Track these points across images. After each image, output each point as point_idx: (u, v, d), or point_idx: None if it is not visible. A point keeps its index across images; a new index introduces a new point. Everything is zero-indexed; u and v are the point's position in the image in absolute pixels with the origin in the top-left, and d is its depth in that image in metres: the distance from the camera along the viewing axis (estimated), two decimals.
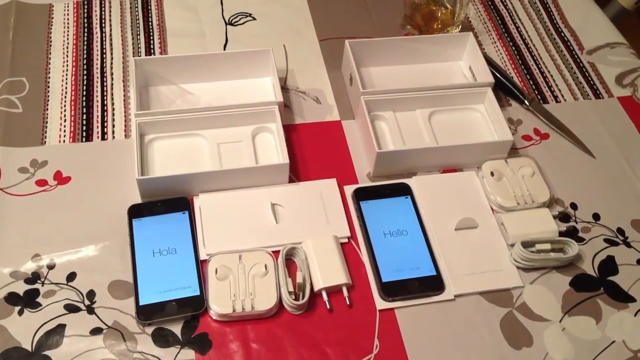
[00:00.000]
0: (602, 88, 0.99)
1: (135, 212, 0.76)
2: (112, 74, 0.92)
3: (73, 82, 0.90)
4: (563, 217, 0.83)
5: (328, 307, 0.73)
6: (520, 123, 0.93)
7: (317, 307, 0.73)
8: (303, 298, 0.71)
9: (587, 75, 1.01)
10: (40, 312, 0.69)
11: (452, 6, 0.98)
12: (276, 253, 0.75)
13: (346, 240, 0.78)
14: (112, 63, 0.93)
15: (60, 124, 0.85)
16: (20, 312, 0.69)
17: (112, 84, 0.91)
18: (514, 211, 0.81)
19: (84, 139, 0.84)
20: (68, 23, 0.97)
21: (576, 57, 1.03)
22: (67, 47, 0.94)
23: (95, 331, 0.69)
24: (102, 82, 0.91)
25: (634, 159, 0.90)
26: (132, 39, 0.97)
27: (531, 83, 0.99)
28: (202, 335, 0.70)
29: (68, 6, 0.99)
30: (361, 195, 0.81)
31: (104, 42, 0.96)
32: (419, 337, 0.72)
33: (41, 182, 0.79)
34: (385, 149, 0.85)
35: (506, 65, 1.01)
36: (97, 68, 0.92)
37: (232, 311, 0.70)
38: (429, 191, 0.83)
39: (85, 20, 0.98)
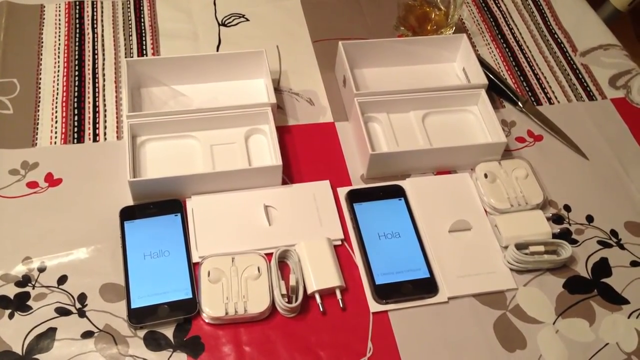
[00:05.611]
0: (596, 90, 0.99)
1: (127, 214, 0.76)
2: (104, 75, 0.91)
3: (64, 83, 0.90)
4: (556, 219, 0.83)
5: (321, 309, 0.72)
6: (513, 125, 0.93)
7: (310, 309, 0.73)
8: (296, 301, 0.71)
9: (580, 77, 1.01)
10: (31, 316, 0.69)
11: (445, 8, 0.98)
12: (269, 255, 0.74)
13: (339, 242, 0.78)
14: (104, 64, 0.93)
15: (52, 126, 0.85)
16: (11, 316, 0.69)
17: (104, 85, 0.90)
18: (508, 213, 0.81)
19: (75, 141, 0.84)
20: (59, 24, 0.97)
21: (569, 58, 1.03)
22: (59, 48, 0.94)
23: (87, 334, 0.68)
24: (94, 83, 0.90)
25: (627, 161, 0.90)
26: (124, 40, 0.96)
27: (525, 85, 0.99)
28: (194, 339, 0.69)
29: (59, 7, 0.99)
30: (355, 197, 0.81)
31: (96, 43, 0.95)
32: (412, 339, 0.71)
33: (32, 184, 0.79)
34: (378, 150, 0.85)
35: (500, 67, 1.01)
36: (88, 69, 0.92)
37: (224, 314, 0.69)
38: (422, 193, 0.83)
39: (77, 21, 0.97)
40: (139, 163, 0.81)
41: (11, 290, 0.70)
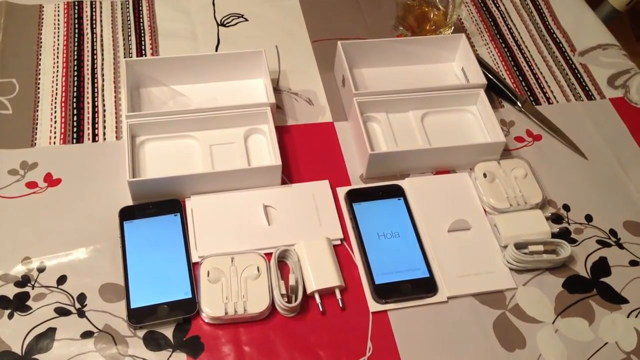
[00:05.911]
0: (594, 89, 0.99)
1: (127, 214, 0.76)
2: (102, 75, 0.91)
3: (63, 83, 0.90)
4: (556, 219, 0.83)
5: (321, 309, 0.72)
6: (512, 124, 0.93)
7: (310, 309, 0.73)
8: (296, 300, 0.71)
9: (579, 76, 1.01)
10: (30, 316, 0.69)
11: (444, 7, 0.98)
12: (269, 255, 0.74)
13: (339, 242, 0.78)
14: (102, 64, 0.93)
15: (51, 125, 0.85)
16: (10, 316, 0.69)
17: (103, 85, 0.90)
18: (507, 213, 0.81)
19: (74, 141, 0.84)
20: (58, 24, 0.97)
21: (568, 58, 1.03)
22: (58, 48, 0.94)
23: (86, 335, 0.68)
24: (93, 83, 0.90)
25: (626, 160, 0.90)
26: (123, 40, 0.96)
27: (523, 84, 0.99)
28: (194, 339, 0.69)
29: (58, 7, 0.99)
30: (354, 197, 0.81)
31: (95, 43, 0.95)
32: (412, 339, 0.71)
33: (31, 184, 0.79)
34: (377, 150, 0.85)
35: (498, 67, 1.01)
36: (87, 69, 0.92)
37: (224, 314, 0.69)
38: (421, 193, 0.83)
39: (76, 21, 0.97)
40: (138, 163, 0.81)
41: (10, 290, 0.70)
